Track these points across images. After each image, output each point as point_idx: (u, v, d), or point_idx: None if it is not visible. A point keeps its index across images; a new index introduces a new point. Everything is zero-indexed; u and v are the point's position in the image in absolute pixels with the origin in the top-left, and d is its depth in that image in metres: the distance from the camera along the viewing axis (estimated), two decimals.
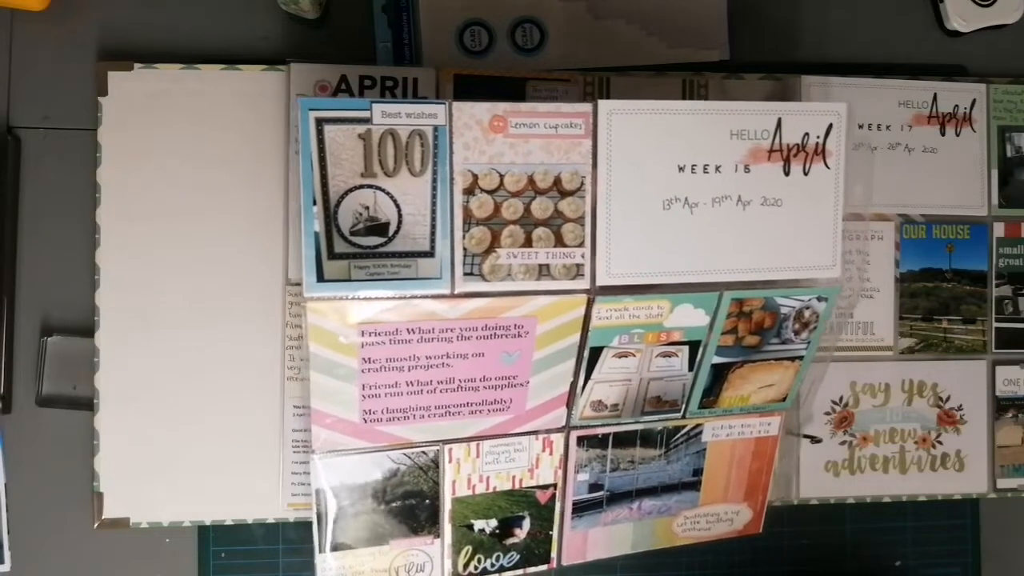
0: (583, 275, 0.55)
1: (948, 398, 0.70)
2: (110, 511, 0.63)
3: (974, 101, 0.70)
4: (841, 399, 0.69)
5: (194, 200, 0.63)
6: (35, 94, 0.64)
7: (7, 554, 0.63)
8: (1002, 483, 0.71)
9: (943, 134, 0.70)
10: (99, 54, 0.64)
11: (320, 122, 0.51)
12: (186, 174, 0.63)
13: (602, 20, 0.68)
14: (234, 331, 0.63)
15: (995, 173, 0.71)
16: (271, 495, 0.64)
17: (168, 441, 0.63)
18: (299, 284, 0.63)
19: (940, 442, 0.70)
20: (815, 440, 0.68)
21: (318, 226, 0.51)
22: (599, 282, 0.55)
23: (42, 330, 0.64)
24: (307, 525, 0.64)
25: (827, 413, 0.69)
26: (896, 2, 0.72)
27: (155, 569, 0.65)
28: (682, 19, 0.68)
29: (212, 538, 0.65)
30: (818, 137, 0.57)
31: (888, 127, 0.69)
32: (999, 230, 0.71)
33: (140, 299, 0.63)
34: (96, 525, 0.63)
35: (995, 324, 0.71)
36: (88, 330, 0.63)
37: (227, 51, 0.65)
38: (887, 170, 0.69)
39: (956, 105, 0.70)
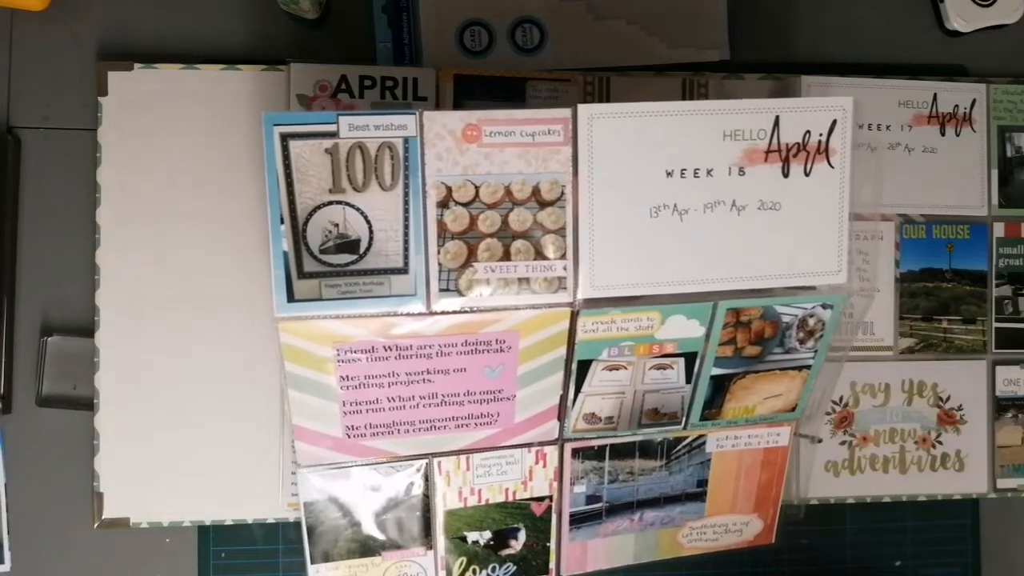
0: (565, 288, 0.53)
1: (948, 398, 0.70)
2: (110, 511, 0.63)
3: (974, 101, 0.70)
4: (841, 399, 0.69)
5: (194, 200, 0.63)
6: (35, 94, 0.64)
7: (7, 554, 0.63)
8: (1002, 483, 0.71)
9: (943, 134, 0.70)
10: (99, 54, 0.64)
11: (285, 137, 0.49)
12: (186, 174, 0.63)
13: (602, 20, 0.68)
14: (234, 331, 0.63)
15: (995, 173, 0.71)
16: (271, 495, 0.63)
17: (168, 441, 0.63)
18: None
19: (940, 442, 0.70)
20: (815, 440, 0.68)
21: (286, 245, 0.49)
22: (583, 295, 0.53)
23: (42, 330, 0.64)
24: None
25: (827, 413, 0.69)
26: (896, 2, 0.72)
27: (155, 569, 0.65)
28: (682, 19, 0.68)
29: (212, 538, 0.65)
30: (821, 135, 0.54)
31: (888, 127, 0.69)
32: (999, 230, 0.71)
33: (140, 299, 0.63)
34: (96, 525, 0.63)
35: (995, 324, 0.71)
36: (88, 330, 0.63)
37: (227, 51, 0.65)
38: (887, 170, 0.69)
39: (956, 105, 0.70)
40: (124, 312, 0.63)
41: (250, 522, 0.64)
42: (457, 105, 0.65)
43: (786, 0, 0.71)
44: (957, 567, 0.72)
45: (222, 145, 0.63)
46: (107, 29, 0.65)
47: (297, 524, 0.64)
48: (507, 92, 0.65)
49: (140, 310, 0.63)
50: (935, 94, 0.70)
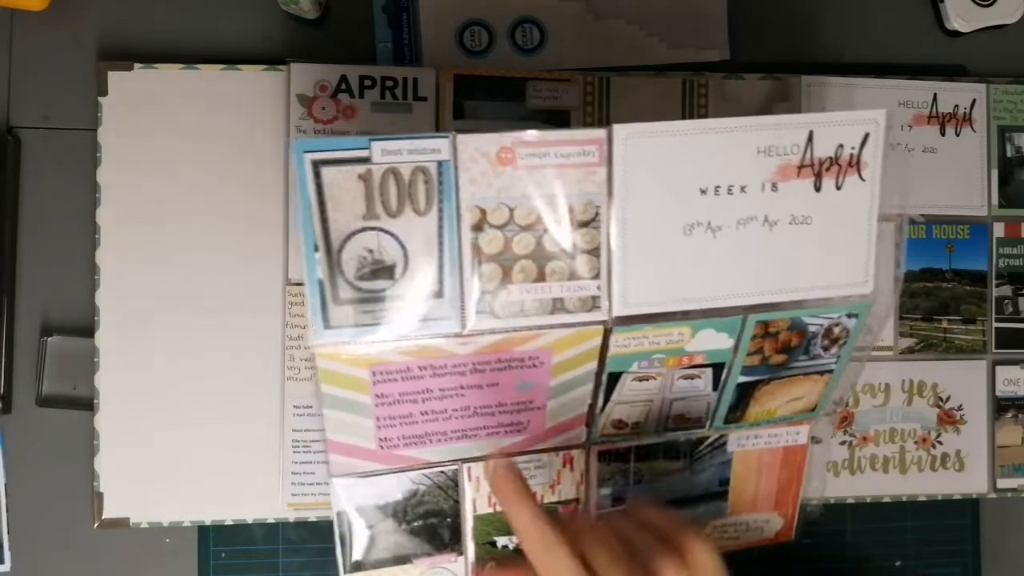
0: (599, 307, 0.52)
1: (948, 398, 0.70)
2: (110, 511, 0.63)
3: (974, 101, 0.70)
4: (841, 399, 0.69)
5: (194, 200, 0.63)
6: (35, 94, 0.64)
7: (7, 554, 0.63)
8: (1002, 483, 0.71)
9: (943, 134, 0.70)
10: (99, 54, 0.64)
11: (317, 164, 0.48)
12: (186, 174, 0.63)
13: (602, 20, 0.68)
14: (234, 331, 0.63)
15: (995, 173, 0.71)
16: (271, 495, 0.63)
17: (168, 441, 0.63)
18: (300, 284, 0.63)
19: (940, 442, 0.70)
20: (815, 440, 0.68)
21: (321, 273, 0.49)
22: (616, 312, 0.52)
23: (42, 330, 0.64)
24: (307, 525, 0.64)
25: (827, 414, 0.69)
26: (896, 2, 0.72)
27: (155, 569, 0.65)
28: (682, 19, 0.68)
29: (212, 538, 0.65)
30: (853, 148, 0.53)
31: (888, 127, 0.69)
32: (999, 230, 0.71)
33: (140, 299, 0.63)
34: (96, 525, 0.63)
35: (995, 324, 0.71)
36: (88, 330, 0.63)
37: (227, 51, 0.65)
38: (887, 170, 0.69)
39: (956, 105, 0.70)
40: (124, 312, 0.63)
41: (250, 522, 0.64)
42: (457, 105, 0.65)
43: (786, 0, 0.71)
44: (957, 567, 0.72)
45: (222, 145, 0.63)
46: (107, 29, 0.65)
47: (297, 524, 0.64)
48: (507, 92, 0.65)
49: (140, 310, 0.63)
50: (935, 94, 0.70)
